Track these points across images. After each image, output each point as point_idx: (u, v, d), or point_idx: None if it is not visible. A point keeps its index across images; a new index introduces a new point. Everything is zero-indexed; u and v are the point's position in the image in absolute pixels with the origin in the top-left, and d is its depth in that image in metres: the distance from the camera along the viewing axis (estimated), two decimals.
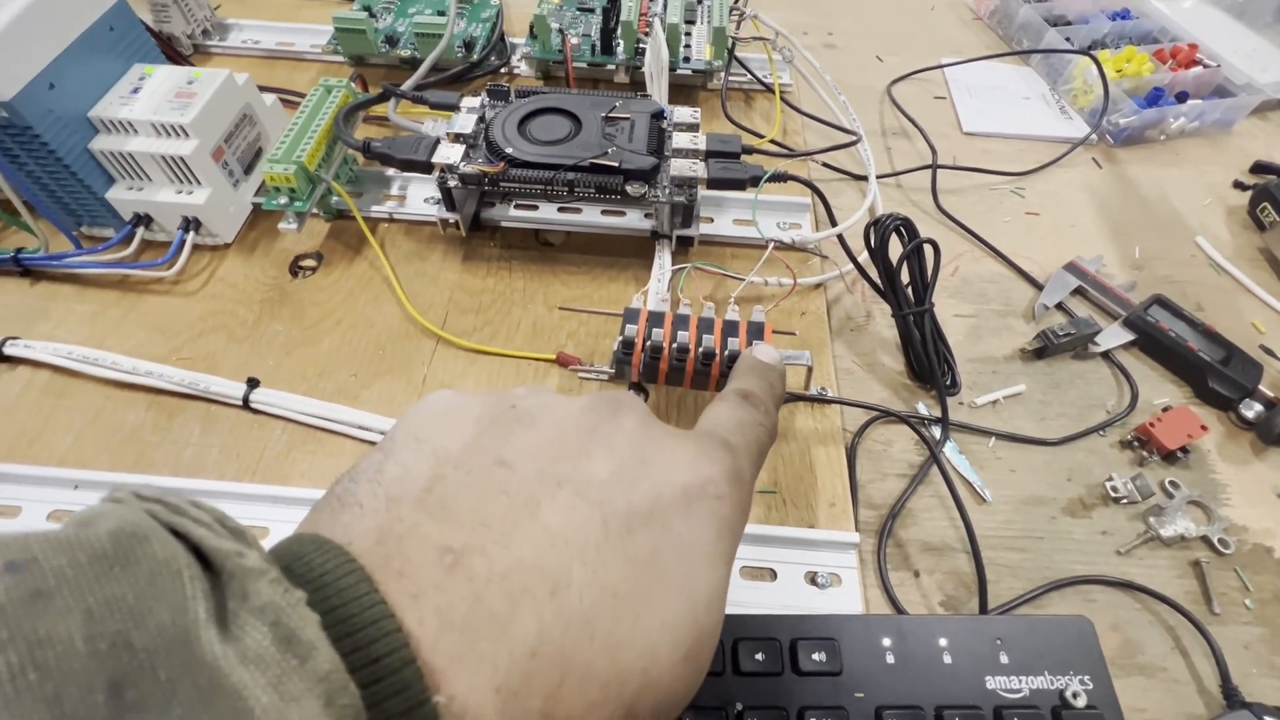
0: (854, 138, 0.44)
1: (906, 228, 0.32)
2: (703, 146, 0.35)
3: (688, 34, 0.47)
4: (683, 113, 0.37)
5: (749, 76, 0.49)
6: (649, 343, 0.29)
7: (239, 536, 0.11)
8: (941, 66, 0.53)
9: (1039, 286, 0.39)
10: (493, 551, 0.13)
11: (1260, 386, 0.34)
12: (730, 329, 0.29)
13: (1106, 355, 0.36)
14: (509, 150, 0.33)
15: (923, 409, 0.34)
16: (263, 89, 0.40)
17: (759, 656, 0.22)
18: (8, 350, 0.32)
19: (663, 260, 0.36)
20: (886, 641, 0.23)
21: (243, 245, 0.38)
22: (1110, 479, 0.31)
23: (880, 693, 0.22)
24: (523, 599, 0.13)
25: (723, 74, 0.46)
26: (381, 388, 0.33)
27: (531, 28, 0.46)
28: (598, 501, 0.15)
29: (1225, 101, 0.48)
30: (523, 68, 0.49)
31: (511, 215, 0.38)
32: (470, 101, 0.37)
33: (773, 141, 0.44)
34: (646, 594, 0.14)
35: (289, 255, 0.38)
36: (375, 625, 0.11)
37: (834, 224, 0.37)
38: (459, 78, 0.46)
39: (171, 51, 0.45)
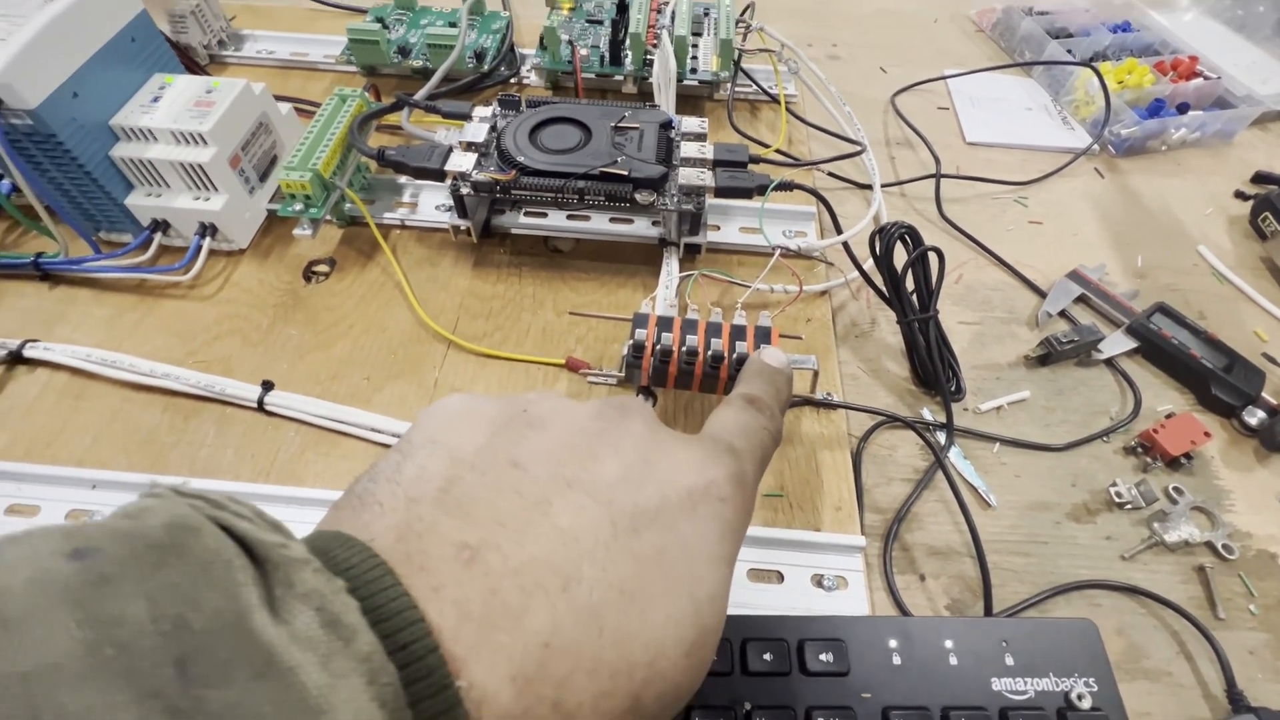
0: (859, 147, 0.44)
1: (911, 236, 0.32)
2: (710, 156, 0.36)
3: (695, 46, 0.48)
4: (690, 123, 0.37)
5: (755, 87, 0.49)
6: (658, 346, 0.29)
7: (278, 529, 0.12)
8: (945, 78, 0.54)
9: (1042, 294, 0.39)
10: (507, 548, 0.14)
11: (1263, 394, 0.34)
12: (738, 333, 0.30)
13: (1110, 362, 0.36)
14: (521, 159, 0.34)
15: (927, 414, 0.34)
16: (277, 98, 0.41)
17: (767, 657, 0.22)
18: (27, 353, 0.33)
19: (670, 267, 0.37)
20: (893, 643, 0.23)
21: (257, 250, 0.39)
22: (1114, 484, 0.32)
23: (887, 693, 0.22)
24: (536, 593, 0.13)
25: (729, 85, 0.47)
26: (393, 391, 0.33)
27: (541, 39, 0.47)
28: (606, 501, 0.15)
29: (1226, 113, 0.48)
30: (532, 78, 0.50)
31: (521, 222, 0.39)
32: (482, 111, 0.37)
33: (778, 151, 0.45)
34: (652, 591, 0.15)
35: (302, 261, 0.38)
36: (400, 615, 0.12)
37: (839, 232, 0.38)
38: (470, 88, 0.47)
39: (189, 61, 0.46)
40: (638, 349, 0.30)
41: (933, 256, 0.32)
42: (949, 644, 0.23)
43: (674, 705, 0.15)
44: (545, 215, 0.39)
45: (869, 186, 0.43)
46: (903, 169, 0.47)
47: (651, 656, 0.14)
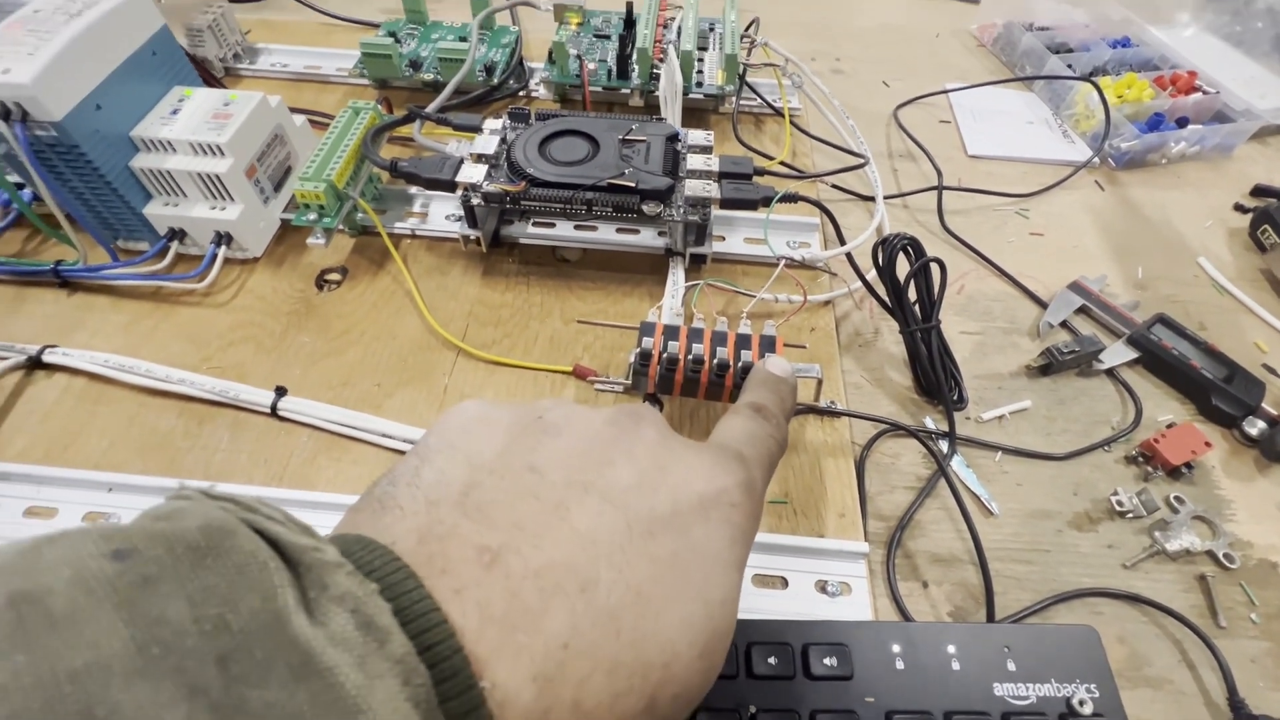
0: (862, 160, 0.45)
1: (913, 247, 0.33)
2: (716, 168, 0.36)
3: (700, 60, 0.49)
4: (696, 135, 0.38)
5: (759, 101, 0.50)
6: (665, 355, 0.30)
7: (308, 532, 0.12)
8: (946, 92, 0.55)
9: (1044, 305, 0.40)
10: (527, 551, 0.14)
11: (1263, 404, 0.35)
12: (743, 342, 0.30)
13: (1111, 373, 0.37)
14: (530, 170, 0.35)
15: (930, 423, 0.34)
16: (291, 110, 0.42)
17: (772, 660, 0.23)
18: (46, 358, 0.34)
19: (676, 277, 0.37)
20: (896, 648, 0.23)
21: (271, 259, 0.39)
22: (1115, 493, 0.32)
23: (890, 698, 0.22)
24: (555, 595, 0.14)
25: (734, 98, 0.48)
26: (404, 397, 0.34)
27: (550, 53, 0.48)
28: (622, 506, 0.16)
29: (1225, 127, 0.49)
30: (541, 91, 0.51)
31: (530, 232, 0.39)
32: (493, 123, 0.38)
33: (783, 163, 0.46)
34: (667, 594, 0.15)
35: (315, 269, 0.39)
36: (425, 617, 0.12)
37: (843, 243, 0.38)
38: (480, 100, 0.48)
39: (205, 74, 0.47)
40: (644, 357, 0.30)
41: (935, 267, 0.33)
42: (951, 649, 0.23)
43: (687, 706, 0.15)
44: (553, 225, 0.40)
45: (872, 198, 0.44)
46: (905, 181, 0.47)
47: (666, 658, 0.14)
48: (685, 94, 0.45)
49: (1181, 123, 0.50)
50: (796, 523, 0.30)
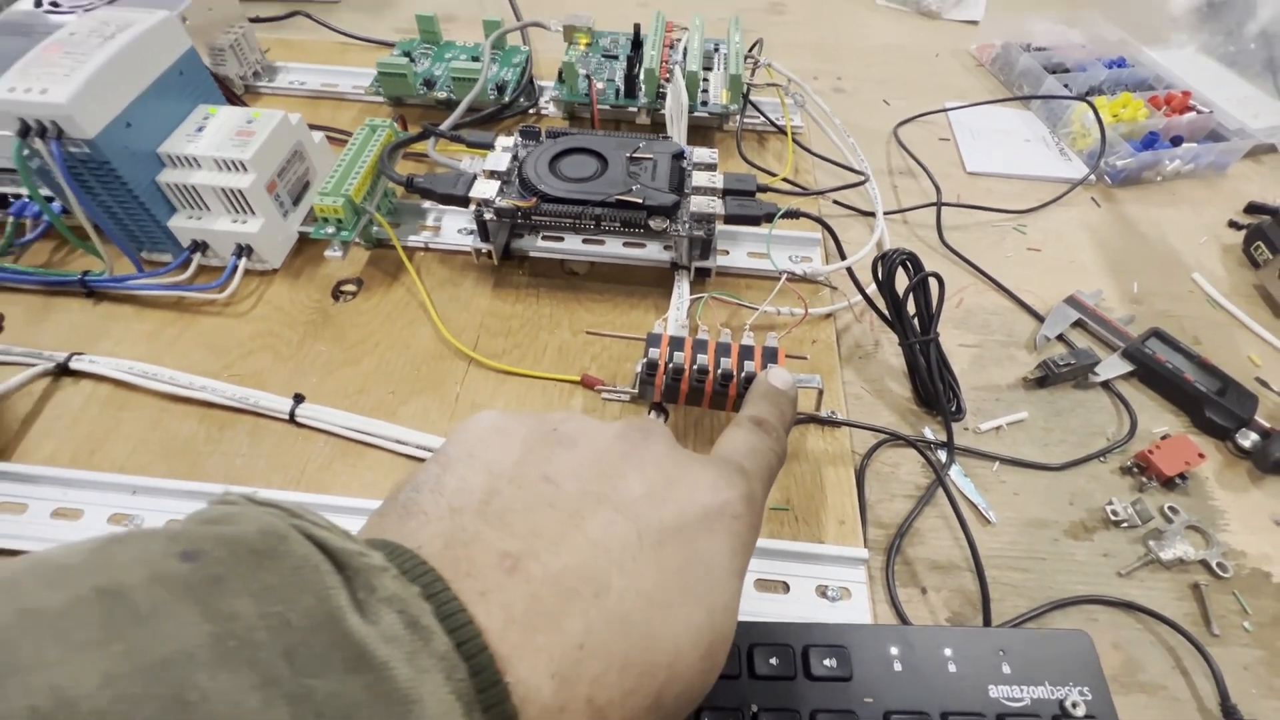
0: (862, 177, 0.46)
1: (912, 261, 0.34)
2: (720, 185, 0.38)
3: (705, 80, 0.50)
4: (701, 153, 0.39)
5: (763, 119, 0.51)
6: (671, 365, 0.31)
7: (350, 537, 0.13)
8: (946, 110, 0.56)
9: (1040, 319, 0.41)
10: (545, 557, 0.15)
11: (1256, 417, 0.35)
12: (746, 353, 0.31)
13: (1106, 385, 0.38)
14: (542, 187, 0.36)
15: (929, 433, 0.35)
16: (309, 126, 0.43)
17: (773, 661, 0.24)
18: (73, 365, 0.35)
19: (682, 290, 0.38)
20: (894, 650, 0.24)
21: (289, 271, 0.41)
22: (1111, 503, 0.33)
23: (888, 698, 0.23)
24: (572, 599, 0.15)
25: (738, 117, 0.49)
26: (417, 405, 0.35)
27: (560, 73, 0.49)
28: (633, 516, 0.17)
29: (1219, 145, 0.50)
30: (550, 109, 0.52)
31: (540, 246, 0.41)
32: (504, 141, 0.40)
33: (785, 180, 0.47)
34: (673, 600, 0.16)
35: (331, 280, 0.40)
36: (453, 618, 0.13)
37: (843, 257, 0.40)
38: (491, 118, 0.50)
39: (227, 92, 0.49)
40: (651, 367, 0.31)
41: (933, 282, 0.34)
42: (948, 652, 0.24)
43: (689, 705, 0.16)
44: (562, 239, 0.41)
45: (872, 214, 0.45)
46: (905, 197, 0.49)
47: (672, 659, 0.15)
48: (691, 112, 0.47)
49: (1176, 141, 0.51)
50: (798, 529, 0.31)
